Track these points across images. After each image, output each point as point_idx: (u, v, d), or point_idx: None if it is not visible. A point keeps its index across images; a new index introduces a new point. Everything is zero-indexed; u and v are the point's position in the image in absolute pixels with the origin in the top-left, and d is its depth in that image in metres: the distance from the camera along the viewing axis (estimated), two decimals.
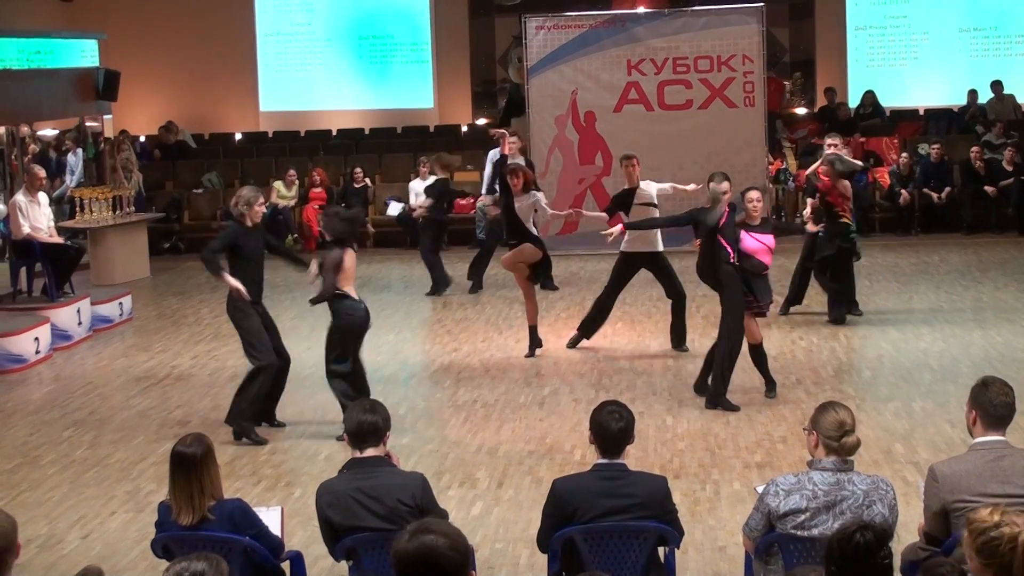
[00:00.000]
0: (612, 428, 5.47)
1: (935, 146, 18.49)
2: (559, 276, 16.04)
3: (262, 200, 9.79)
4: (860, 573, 4.18)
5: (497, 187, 15.12)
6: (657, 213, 11.75)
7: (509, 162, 12.24)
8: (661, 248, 11.80)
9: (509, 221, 11.61)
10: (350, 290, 9.17)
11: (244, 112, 23.58)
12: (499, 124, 22.18)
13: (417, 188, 18.35)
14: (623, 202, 11.71)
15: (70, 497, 8.38)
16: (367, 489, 5.47)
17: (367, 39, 23.53)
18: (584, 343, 12.09)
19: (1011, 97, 20.88)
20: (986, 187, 18.00)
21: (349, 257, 9.13)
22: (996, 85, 20.86)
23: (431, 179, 15.43)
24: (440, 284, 15.10)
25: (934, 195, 18.18)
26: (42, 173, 14.62)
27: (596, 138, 17.59)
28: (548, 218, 12.51)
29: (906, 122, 21.20)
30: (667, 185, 12.07)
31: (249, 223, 9.57)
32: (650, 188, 11.74)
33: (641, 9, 19.67)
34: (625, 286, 12.07)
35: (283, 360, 9.72)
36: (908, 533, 6.06)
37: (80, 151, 19.40)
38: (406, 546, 3.67)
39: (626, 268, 11.91)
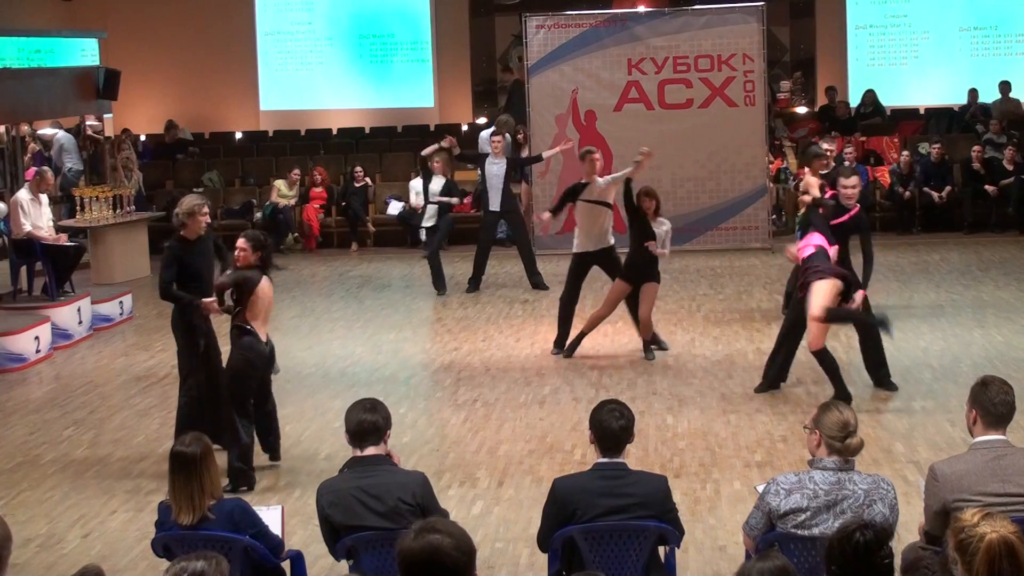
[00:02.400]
0: (612, 427, 5.46)
1: (936, 146, 18.46)
2: (559, 275, 16.04)
3: (206, 209, 8.92)
4: (860, 573, 4.18)
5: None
6: (610, 213, 11.81)
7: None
8: (612, 242, 11.92)
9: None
10: (257, 325, 8.41)
11: (244, 111, 23.57)
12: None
13: (417, 187, 18.36)
14: (573, 193, 11.85)
15: (70, 497, 8.37)
16: (368, 488, 5.47)
17: (367, 38, 23.52)
18: (587, 343, 12.10)
19: (1016, 101, 20.84)
20: (986, 186, 17.99)
21: (266, 285, 8.44)
22: (1004, 85, 20.84)
23: (444, 180, 15.22)
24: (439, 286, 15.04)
25: (934, 194, 18.17)
26: (52, 176, 14.66)
27: (596, 137, 17.56)
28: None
29: (906, 121, 21.19)
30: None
31: (192, 236, 8.82)
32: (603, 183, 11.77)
33: (641, 8, 19.67)
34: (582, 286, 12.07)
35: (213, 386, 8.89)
36: (909, 532, 6.06)
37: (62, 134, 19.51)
38: (411, 545, 3.66)
39: (581, 268, 11.95)
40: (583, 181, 11.89)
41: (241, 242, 8.43)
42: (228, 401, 8.44)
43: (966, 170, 18.27)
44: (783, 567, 4.08)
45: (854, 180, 10.02)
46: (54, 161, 18.98)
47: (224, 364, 8.82)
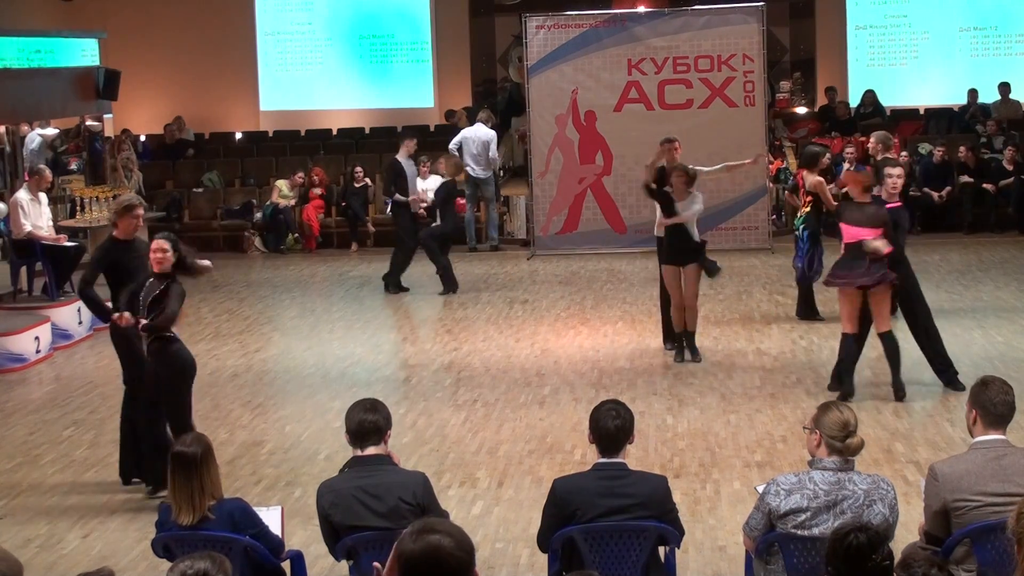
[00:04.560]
0: (609, 426, 5.47)
1: (940, 148, 18.43)
2: (559, 275, 16.06)
3: (140, 211, 8.59)
4: (856, 574, 4.18)
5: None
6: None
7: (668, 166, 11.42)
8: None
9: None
10: (179, 332, 8.09)
11: (244, 111, 23.57)
12: (499, 123, 22.19)
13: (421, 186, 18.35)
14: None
15: (70, 497, 8.37)
16: (368, 487, 5.47)
17: (367, 38, 23.53)
18: (587, 343, 12.10)
19: (1016, 103, 20.84)
20: (984, 184, 17.99)
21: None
22: (1004, 87, 20.84)
23: (439, 180, 15.17)
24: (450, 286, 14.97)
25: (934, 195, 18.16)
26: (49, 174, 14.65)
27: (596, 137, 17.59)
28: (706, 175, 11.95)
29: (906, 121, 21.19)
30: (718, 166, 12.14)
31: (124, 236, 8.49)
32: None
33: (641, 8, 19.67)
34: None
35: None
36: (908, 533, 6.06)
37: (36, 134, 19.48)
38: (412, 547, 3.65)
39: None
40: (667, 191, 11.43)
41: (161, 243, 7.94)
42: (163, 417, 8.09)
43: (967, 171, 18.27)
44: None
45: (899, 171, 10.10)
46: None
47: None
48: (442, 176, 15.26)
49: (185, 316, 8.11)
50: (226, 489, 5.88)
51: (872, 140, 12.78)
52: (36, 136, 19.61)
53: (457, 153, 17.37)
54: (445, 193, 15.03)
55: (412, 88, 23.49)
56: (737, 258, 16.58)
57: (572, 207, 17.68)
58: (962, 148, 18.46)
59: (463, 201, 18.66)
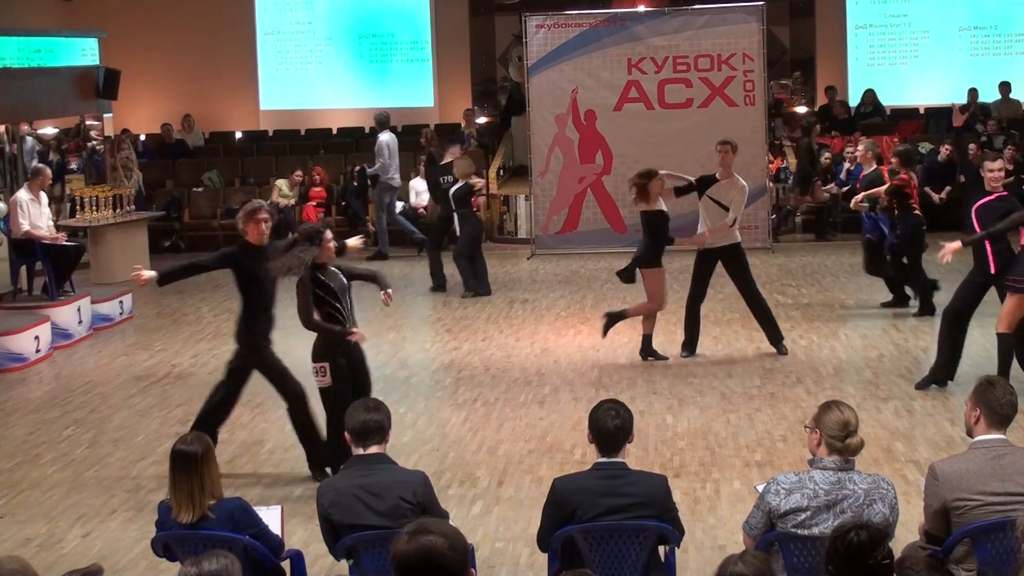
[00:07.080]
0: (608, 426, 5.47)
1: (946, 147, 18.41)
2: (559, 275, 16.06)
3: (263, 215, 8.74)
4: (856, 572, 4.19)
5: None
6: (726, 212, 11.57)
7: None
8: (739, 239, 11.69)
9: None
10: None
11: (244, 111, 23.57)
12: (500, 123, 22.20)
13: (419, 187, 18.40)
14: (704, 184, 11.61)
15: (70, 496, 8.38)
16: (368, 486, 5.48)
17: (367, 38, 23.53)
18: (587, 342, 12.09)
19: (1016, 102, 20.84)
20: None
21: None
22: (1004, 86, 20.84)
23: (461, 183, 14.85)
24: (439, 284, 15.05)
25: (934, 195, 18.14)
26: (49, 173, 14.66)
27: (596, 137, 17.59)
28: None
29: (906, 121, 21.21)
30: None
31: (253, 240, 8.79)
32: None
33: (641, 8, 19.68)
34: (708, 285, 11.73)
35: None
36: (908, 532, 6.06)
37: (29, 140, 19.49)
38: (405, 548, 3.66)
39: (704, 265, 11.61)
40: (715, 175, 11.63)
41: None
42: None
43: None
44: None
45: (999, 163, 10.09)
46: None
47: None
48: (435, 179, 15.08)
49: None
50: (226, 488, 5.88)
51: (861, 148, 13.02)
52: (28, 137, 19.61)
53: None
54: (463, 195, 14.68)
55: (412, 88, 23.49)
56: None
57: (572, 206, 17.69)
58: (946, 147, 18.41)
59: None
